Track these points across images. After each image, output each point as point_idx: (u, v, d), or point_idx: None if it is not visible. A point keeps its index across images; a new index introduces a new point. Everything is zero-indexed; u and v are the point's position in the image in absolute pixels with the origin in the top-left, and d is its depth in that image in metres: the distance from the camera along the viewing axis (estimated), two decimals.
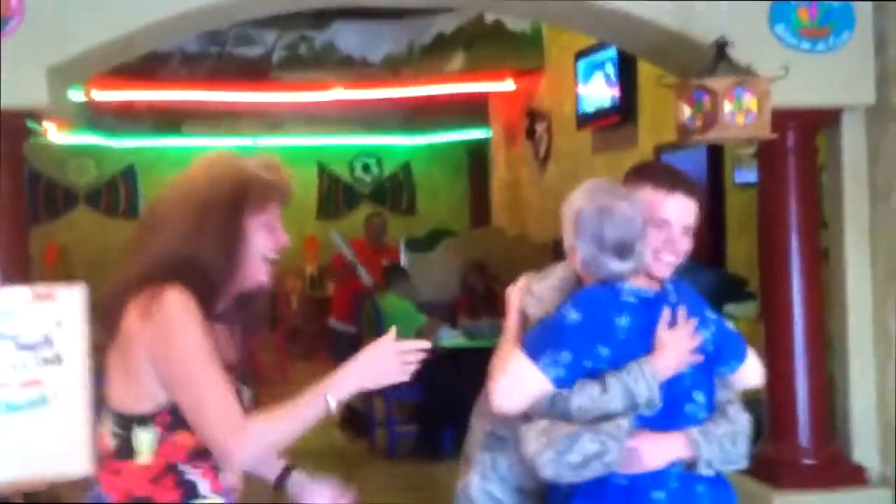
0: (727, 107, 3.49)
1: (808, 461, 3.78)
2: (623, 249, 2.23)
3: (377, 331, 6.71)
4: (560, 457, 2.16)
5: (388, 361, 1.93)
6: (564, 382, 2.21)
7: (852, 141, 3.94)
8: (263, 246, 1.96)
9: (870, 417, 3.88)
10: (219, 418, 1.84)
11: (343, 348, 7.29)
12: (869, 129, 3.92)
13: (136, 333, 1.85)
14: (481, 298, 6.96)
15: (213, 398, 1.83)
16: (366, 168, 11.77)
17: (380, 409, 6.81)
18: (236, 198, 1.93)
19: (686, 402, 2.25)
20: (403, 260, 7.92)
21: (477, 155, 10.92)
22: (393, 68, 9.20)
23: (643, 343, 2.22)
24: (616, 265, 2.23)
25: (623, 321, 2.20)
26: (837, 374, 3.94)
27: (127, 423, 1.88)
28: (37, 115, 3.94)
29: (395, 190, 11.75)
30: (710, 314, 2.34)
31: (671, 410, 2.22)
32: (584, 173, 5.88)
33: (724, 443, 2.27)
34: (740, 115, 3.51)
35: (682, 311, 2.24)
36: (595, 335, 2.20)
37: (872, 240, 3.91)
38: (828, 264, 4.01)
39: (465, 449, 2.66)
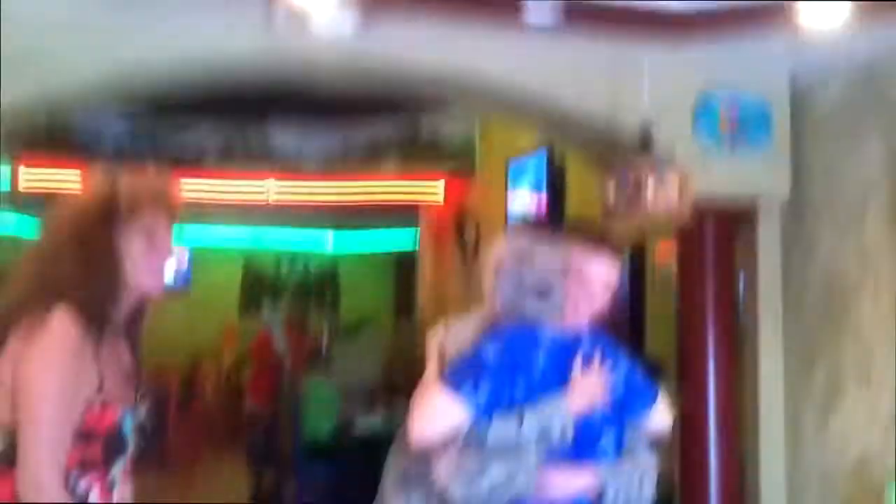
0: (650, 190, 3.68)
1: None
2: (542, 290, 2.33)
3: (294, 414, 6.63)
4: (470, 483, 2.22)
5: None
6: (482, 413, 2.27)
7: (768, 235, 4.15)
8: (141, 253, 1.95)
9: (780, 497, 3.96)
10: (31, 473, 1.79)
11: (258, 433, 7.17)
12: (784, 227, 4.14)
13: (16, 353, 1.85)
14: (401, 386, 6.95)
15: (40, 450, 1.80)
16: (292, 264, 11.77)
17: (291, 490, 6.66)
18: (104, 208, 1.95)
19: (597, 440, 2.32)
20: (326, 346, 7.89)
21: (405, 255, 11.04)
22: (326, 167, 9.36)
23: (557, 382, 2.29)
24: (535, 306, 2.33)
25: (540, 359, 2.29)
26: (749, 454, 4.04)
27: (11, 433, 1.85)
28: None
29: (318, 287, 11.74)
30: (623, 360, 2.42)
31: (582, 447, 2.29)
32: None
33: (631, 481, 2.34)
34: (662, 198, 3.70)
35: (596, 357, 2.32)
36: (513, 367, 2.27)
37: (786, 327, 4.08)
38: (742, 353, 4.16)
39: (378, 495, 2.66)
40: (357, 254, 11.65)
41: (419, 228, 10.10)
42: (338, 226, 11.24)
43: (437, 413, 2.27)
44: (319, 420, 6.52)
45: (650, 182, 3.68)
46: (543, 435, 2.25)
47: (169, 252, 2.00)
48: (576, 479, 2.29)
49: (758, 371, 4.06)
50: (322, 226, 11.26)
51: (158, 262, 1.99)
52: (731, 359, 4.01)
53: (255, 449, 7.08)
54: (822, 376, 3.87)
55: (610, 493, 2.29)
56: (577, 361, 2.30)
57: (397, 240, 11.05)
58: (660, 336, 5.10)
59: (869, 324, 3.66)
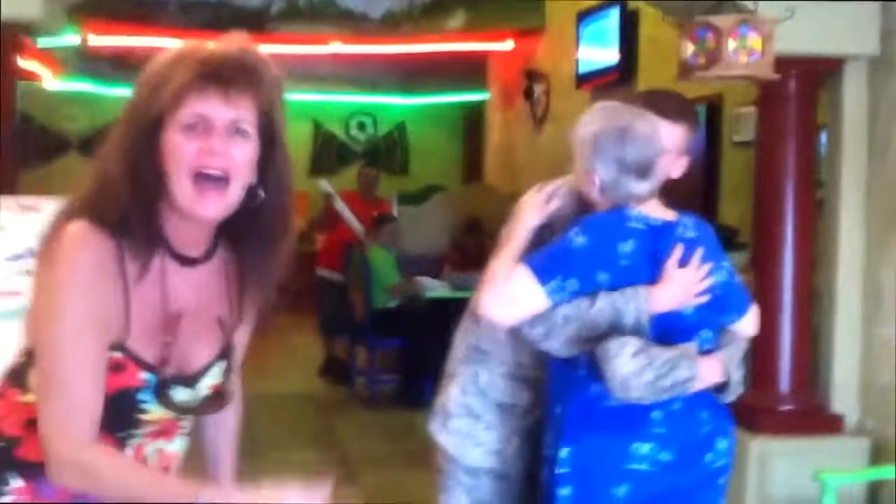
0: (731, 45, 3.45)
1: (786, 408, 3.78)
2: (644, 169, 2.20)
3: (363, 282, 6.69)
4: (656, 381, 2.12)
5: None
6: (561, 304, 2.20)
7: (854, 94, 3.91)
8: (180, 158, 1.45)
9: (852, 369, 3.88)
10: (59, 418, 1.42)
11: (330, 297, 7.27)
12: (871, 83, 3.89)
13: (35, 267, 1.51)
14: (471, 254, 6.93)
15: (64, 391, 1.42)
16: (361, 126, 11.71)
17: (362, 357, 6.79)
18: (144, 97, 1.47)
19: (692, 337, 2.23)
20: (394, 213, 7.88)
21: (473, 117, 10.86)
22: (392, 24, 9.13)
23: (648, 270, 2.18)
24: (636, 186, 2.20)
25: (627, 247, 2.17)
26: (823, 325, 3.93)
27: (28, 352, 1.53)
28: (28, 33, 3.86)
29: (389, 149, 11.69)
30: (725, 262, 2.32)
31: (676, 343, 2.19)
32: None
33: (738, 367, 2.31)
34: (744, 53, 3.47)
35: (698, 251, 2.21)
36: (597, 261, 2.17)
37: (868, 194, 3.89)
38: (822, 217, 3.99)
39: (447, 367, 2.64)
40: (425, 116, 11.52)
41: (488, 89, 9.88)
42: (406, 87, 11.08)
43: (519, 299, 2.19)
44: (386, 288, 6.58)
45: (731, 38, 3.45)
46: (616, 320, 2.17)
47: (210, 155, 1.45)
48: (711, 369, 2.23)
49: (838, 239, 3.90)
50: (390, 87, 11.12)
51: (203, 159, 1.45)
52: (809, 227, 3.86)
53: (326, 316, 7.20)
54: None
55: (732, 381, 2.26)
56: (675, 253, 2.19)
57: (466, 101, 10.86)
58: (735, 205, 4.94)
59: None
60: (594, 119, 2.26)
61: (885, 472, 3.65)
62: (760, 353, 3.79)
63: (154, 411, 1.52)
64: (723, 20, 3.48)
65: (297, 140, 11.03)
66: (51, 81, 9.52)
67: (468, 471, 2.50)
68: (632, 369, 2.10)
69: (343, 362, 7.02)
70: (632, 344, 2.11)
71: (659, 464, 2.18)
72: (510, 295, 2.19)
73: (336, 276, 7.22)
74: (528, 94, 8.39)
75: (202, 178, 1.45)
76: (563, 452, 2.21)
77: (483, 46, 9.17)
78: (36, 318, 1.48)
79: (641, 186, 2.22)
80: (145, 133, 1.46)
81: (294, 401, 6.56)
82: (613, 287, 2.17)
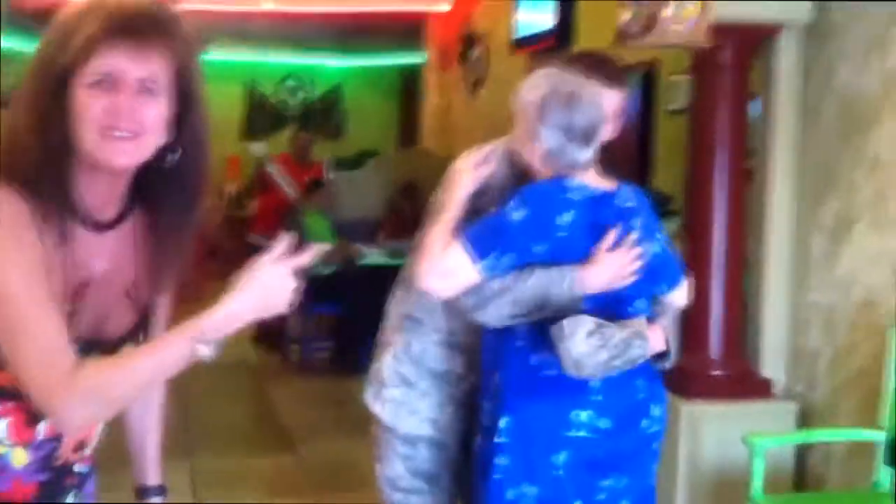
0: (666, 12, 3.45)
1: (717, 373, 3.84)
2: (588, 137, 2.19)
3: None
4: (610, 360, 2.12)
5: (274, 288, 1.46)
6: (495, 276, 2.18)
7: (787, 62, 3.93)
8: (87, 115, 1.39)
9: (781, 334, 3.94)
10: (39, 365, 1.37)
11: None
12: (804, 50, 3.92)
13: None
14: (407, 218, 6.89)
15: (33, 338, 1.36)
16: (295, 89, 11.51)
17: (295, 324, 6.72)
18: (51, 50, 1.41)
19: (627, 307, 2.24)
20: (328, 177, 7.79)
21: (409, 80, 10.77)
22: None
23: (586, 240, 2.18)
24: (580, 154, 2.18)
25: (566, 218, 2.16)
26: (752, 293, 3.99)
27: None
28: None
29: (324, 112, 11.52)
30: (659, 233, 2.33)
31: (613, 314, 2.20)
32: None
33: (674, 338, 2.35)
34: (678, 22, 3.48)
35: (631, 236, 2.20)
36: (535, 234, 2.15)
37: (799, 161, 3.94)
38: (752, 184, 4.03)
39: (378, 337, 2.62)
40: (362, 79, 11.36)
41: (425, 51, 9.79)
42: (341, 47, 10.90)
43: (453, 273, 2.18)
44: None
45: (668, 5, 3.45)
46: (543, 297, 2.16)
47: (116, 111, 1.40)
48: (656, 338, 2.24)
49: (768, 206, 3.95)
50: (325, 47, 10.92)
51: (110, 119, 1.40)
52: (740, 193, 3.89)
53: None
54: (833, 210, 3.76)
55: (670, 351, 2.29)
56: (609, 237, 2.18)
57: (402, 62, 10.74)
58: (669, 173, 4.98)
59: (888, 156, 3.50)
60: (539, 84, 2.23)
61: (812, 435, 3.75)
62: (692, 319, 3.82)
63: None
64: None
65: (229, 102, 10.79)
66: None
67: (404, 439, 2.49)
68: (585, 350, 2.09)
69: (277, 328, 6.95)
70: (586, 324, 2.10)
71: (598, 430, 2.20)
72: (446, 268, 2.18)
73: (269, 242, 7.11)
74: (465, 57, 8.33)
75: (110, 138, 1.41)
76: (503, 422, 2.21)
77: (420, 7, 9.07)
78: None
79: (585, 154, 2.20)
80: (53, 87, 1.40)
81: (228, 369, 6.48)
82: (551, 258, 2.16)
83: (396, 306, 2.56)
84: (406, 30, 9.70)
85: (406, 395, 2.48)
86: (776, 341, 3.95)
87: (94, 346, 1.48)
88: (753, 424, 3.51)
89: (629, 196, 2.27)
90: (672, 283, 2.38)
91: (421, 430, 2.48)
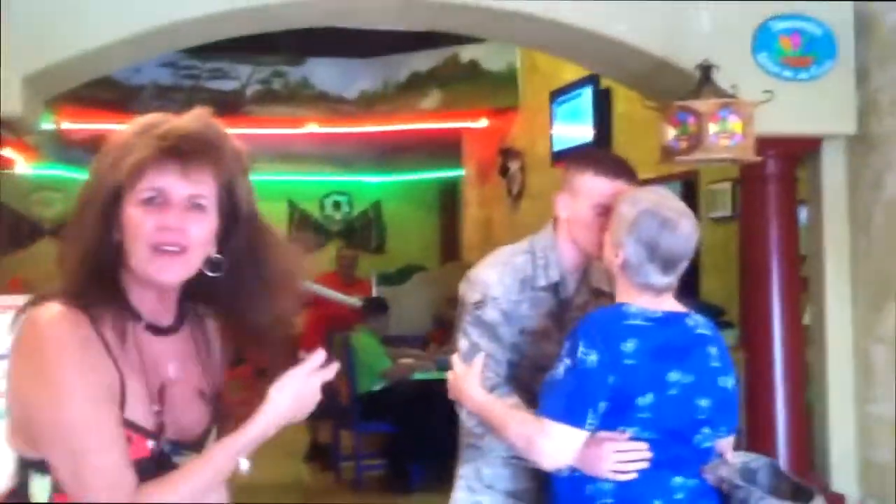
0: (712, 128, 3.50)
1: None
2: (671, 264, 2.17)
3: (347, 366, 6.61)
4: None
5: (305, 399, 1.56)
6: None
7: (833, 171, 3.96)
8: (138, 231, 1.46)
9: (849, 447, 3.85)
10: (103, 489, 1.38)
11: None
12: (849, 159, 3.95)
13: (12, 365, 1.46)
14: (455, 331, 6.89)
15: (96, 463, 1.39)
16: (336, 205, 11.71)
17: (347, 441, 6.67)
18: (104, 170, 1.48)
19: (694, 435, 2.19)
20: (374, 293, 7.84)
21: (448, 194, 10.91)
22: (367, 105, 9.21)
23: (654, 363, 2.13)
24: (658, 278, 2.17)
25: (629, 346, 2.12)
26: (817, 403, 3.91)
27: (23, 465, 1.50)
28: (9, 129, 3.84)
29: (365, 228, 11.69)
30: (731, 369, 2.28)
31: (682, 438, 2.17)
32: None
33: None
34: (725, 137, 3.52)
35: (626, 434, 2.15)
36: (608, 369, 2.11)
37: (853, 270, 3.91)
38: (808, 294, 4.00)
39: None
40: (401, 194, 11.55)
41: (463, 166, 9.95)
42: (381, 166, 11.12)
43: (566, 447, 2.13)
44: (371, 371, 6.49)
45: (712, 122, 3.49)
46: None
47: (165, 227, 1.46)
48: None
49: (825, 318, 3.91)
50: (365, 167, 11.15)
51: (160, 235, 1.45)
52: (797, 305, 3.86)
53: None
54: (892, 319, 3.70)
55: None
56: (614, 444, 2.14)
57: (441, 178, 10.92)
58: (716, 282, 4.96)
59: None
60: (643, 199, 2.22)
61: None
62: (756, 433, 3.76)
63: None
64: (703, 104, 3.53)
65: (273, 219, 10.91)
66: (24, 167, 9.45)
67: None
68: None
69: (327, 447, 6.89)
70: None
71: None
72: (555, 448, 2.14)
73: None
74: (504, 171, 8.46)
75: (159, 252, 1.48)
76: None
77: (457, 125, 9.26)
78: (38, 413, 1.42)
79: (662, 279, 2.19)
80: (105, 205, 1.47)
81: (281, 488, 6.41)
82: (622, 386, 2.13)
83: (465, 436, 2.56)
84: (443, 146, 9.89)
85: None
86: (844, 454, 3.85)
87: (180, 446, 1.52)
88: None
89: (702, 323, 2.24)
90: (731, 428, 2.32)
91: None
